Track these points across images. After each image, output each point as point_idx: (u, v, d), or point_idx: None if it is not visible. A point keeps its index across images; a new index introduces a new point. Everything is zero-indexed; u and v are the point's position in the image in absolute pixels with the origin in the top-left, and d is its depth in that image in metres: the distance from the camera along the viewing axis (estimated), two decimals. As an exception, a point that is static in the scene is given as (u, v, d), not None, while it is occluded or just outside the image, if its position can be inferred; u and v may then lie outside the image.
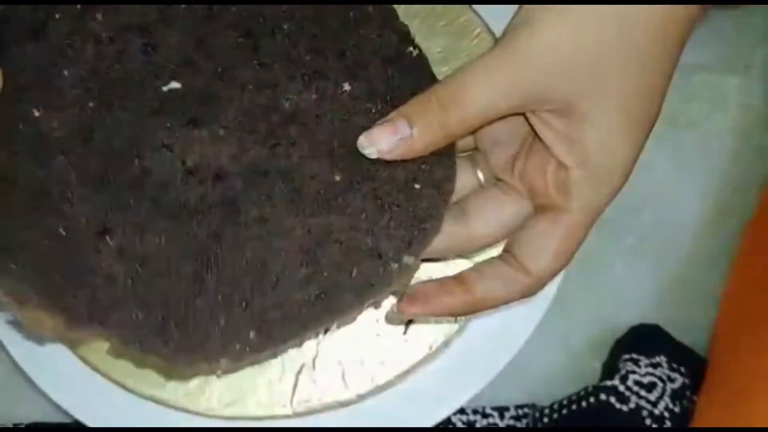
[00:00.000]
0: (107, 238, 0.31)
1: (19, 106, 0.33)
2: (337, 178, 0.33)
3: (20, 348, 0.41)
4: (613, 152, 0.29)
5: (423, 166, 0.33)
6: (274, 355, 0.33)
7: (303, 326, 0.31)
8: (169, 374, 0.39)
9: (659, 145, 0.46)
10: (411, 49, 0.36)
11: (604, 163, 0.29)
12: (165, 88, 0.34)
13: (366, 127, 0.32)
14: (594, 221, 0.31)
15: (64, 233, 0.31)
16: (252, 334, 0.31)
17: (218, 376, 0.40)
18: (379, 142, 0.30)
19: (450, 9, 0.45)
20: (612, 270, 0.45)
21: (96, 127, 0.33)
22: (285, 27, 0.35)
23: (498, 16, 0.45)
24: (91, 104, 0.33)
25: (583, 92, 0.28)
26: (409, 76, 0.35)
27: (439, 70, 0.42)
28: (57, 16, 0.34)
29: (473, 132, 0.32)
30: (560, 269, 0.30)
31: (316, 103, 0.34)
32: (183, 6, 0.34)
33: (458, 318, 0.40)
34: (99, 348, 0.40)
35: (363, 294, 0.32)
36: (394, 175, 0.33)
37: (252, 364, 0.33)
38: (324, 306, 0.31)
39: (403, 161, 0.32)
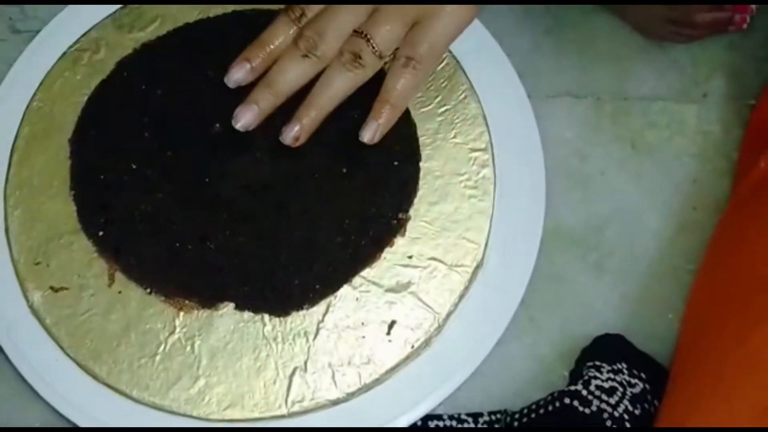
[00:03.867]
0: (207, 243, 0.43)
1: (121, 162, 0.45)
2: (344, 170, 0.45)
3: (26, 363, 0.42)
4: None
5: (397, 147, 0.45)
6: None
7: (348, 275, 0.43)
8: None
9: (622, 168, 0.48)
10: None
11: None
12: (212, 130, 0.46)
13: (353, 130, 0.45)
14: None
15: (177, 246, 0.43)
16: (317, 286, 0.43)
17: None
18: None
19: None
20: (578, 285, 0.46)
21: (175, 168, 0.45)
22: None
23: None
24: (168, 153, 0.45)
25: None
26: (372, 85, 0.46)
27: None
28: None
29: None
30: None
31: None
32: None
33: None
34: (105, 361, 0.42)
35: (379, 245, 0.44)
36: (380, 159, 0.45)
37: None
38: (356, 259, 0.43)
39: (384, 149, 0.45)
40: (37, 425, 0.43)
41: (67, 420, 0.42)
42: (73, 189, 0.45)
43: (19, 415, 0.43)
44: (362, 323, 0.42)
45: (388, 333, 0.42)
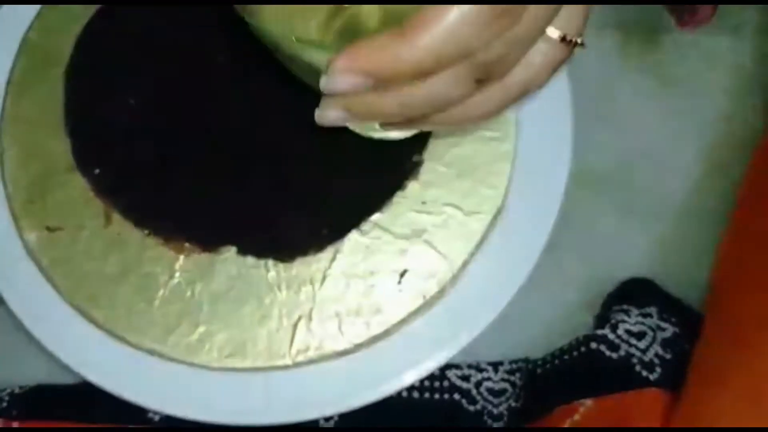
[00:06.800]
0: (209, 183, 0.41)
1: (118, 96, 0.42)
2: None
3: (23, 307, 0.40)
4: None
5: None
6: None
7: (357, 220, 0.40)
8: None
9: (650, 103, 0.45)
10: None
11: None
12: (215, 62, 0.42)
13: None
14: None
15: (177, 186, 0.41)
16: (324, 231, 0.40)
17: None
18: None
19: None
20: (605, 227, 0.43)
21: (176, 104, 0.42)
22: None
23: None
24: (168, 87, 0.42)
25: None
26: None
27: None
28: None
29: None
30: None
31: None
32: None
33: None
34: (102, 305, 0.40)
35: (391, 189, 0.40)
36: None
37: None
38: (366, 203, 0.40)
39: None
40: (41, 377, 0.42)
41: (68, 369, 0.40)
42: (68, 125, 0.42)
43: (24, 366, 0.42)
44: (371, 272, 0.40)
45: (399, 282, 0.40)
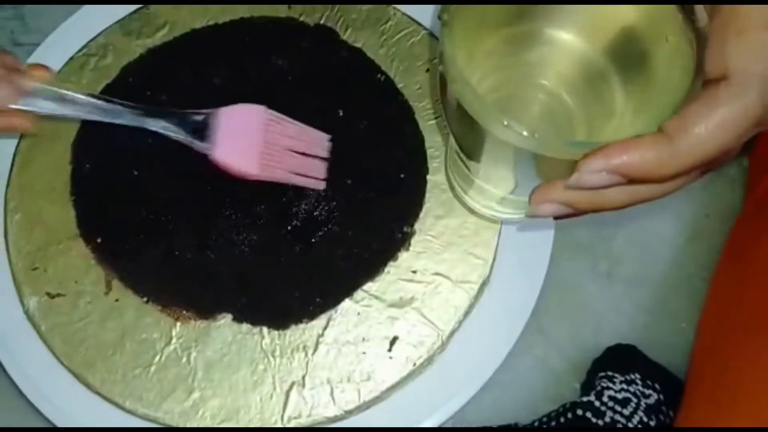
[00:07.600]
0: (207, 252, 0.42)
1: (122, 168, 0.44)
2: (349, 181, 0.43)
3: (20, 370, 0.41)
4: None
5: (404, 160, 0.44)
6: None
7: (349, 288, 0.41)
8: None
9: None
10: (378, 75, 0.46)
11: None
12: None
13: (359, 141, 0.43)
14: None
15: (176, 254, 0.42)
16: (318, 299, 0.41)
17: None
18: None
19: (426, 50, 0.47)
20: (588, 295, 0.44)
21: (177, 176, 0.43)
22: (290, 78, 0.45)
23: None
24: (170, 160, 0.43)
25: None
26: (378, 96, 0.45)
27: (418, 105, 0.45)
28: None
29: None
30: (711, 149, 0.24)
31: (325, 129, 0.43)
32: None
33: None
34: (98, 370, 0.40)
35: (382, 259, 0.42)
36: (386, 172, 0.43)
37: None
38: (359, 273, 0.42)
39: (391, 162, 0.43)
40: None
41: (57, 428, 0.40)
42: (74, 194, 0.44)
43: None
44: (363, 339, 0.41)
45: (390, 349, 0.41)
